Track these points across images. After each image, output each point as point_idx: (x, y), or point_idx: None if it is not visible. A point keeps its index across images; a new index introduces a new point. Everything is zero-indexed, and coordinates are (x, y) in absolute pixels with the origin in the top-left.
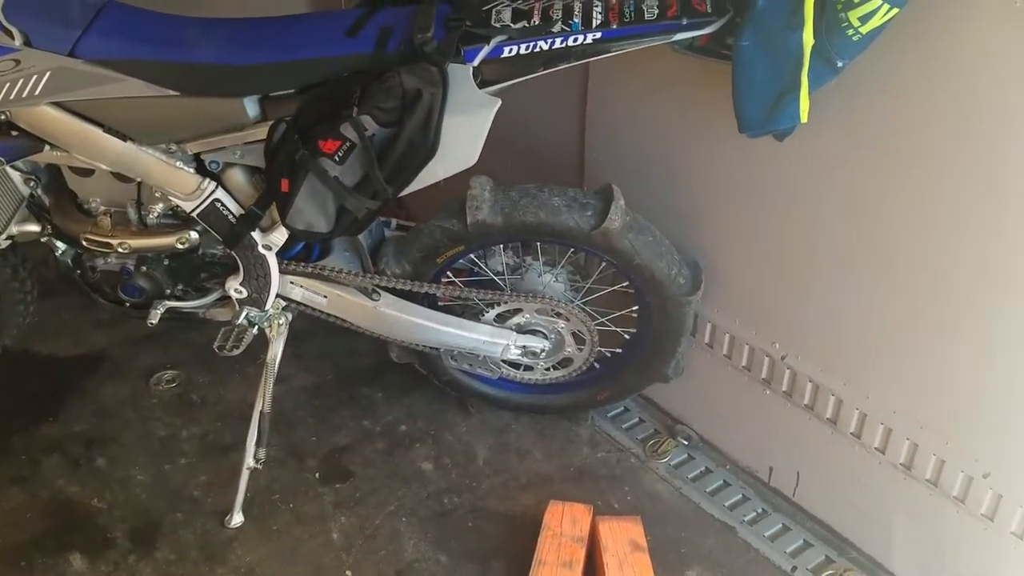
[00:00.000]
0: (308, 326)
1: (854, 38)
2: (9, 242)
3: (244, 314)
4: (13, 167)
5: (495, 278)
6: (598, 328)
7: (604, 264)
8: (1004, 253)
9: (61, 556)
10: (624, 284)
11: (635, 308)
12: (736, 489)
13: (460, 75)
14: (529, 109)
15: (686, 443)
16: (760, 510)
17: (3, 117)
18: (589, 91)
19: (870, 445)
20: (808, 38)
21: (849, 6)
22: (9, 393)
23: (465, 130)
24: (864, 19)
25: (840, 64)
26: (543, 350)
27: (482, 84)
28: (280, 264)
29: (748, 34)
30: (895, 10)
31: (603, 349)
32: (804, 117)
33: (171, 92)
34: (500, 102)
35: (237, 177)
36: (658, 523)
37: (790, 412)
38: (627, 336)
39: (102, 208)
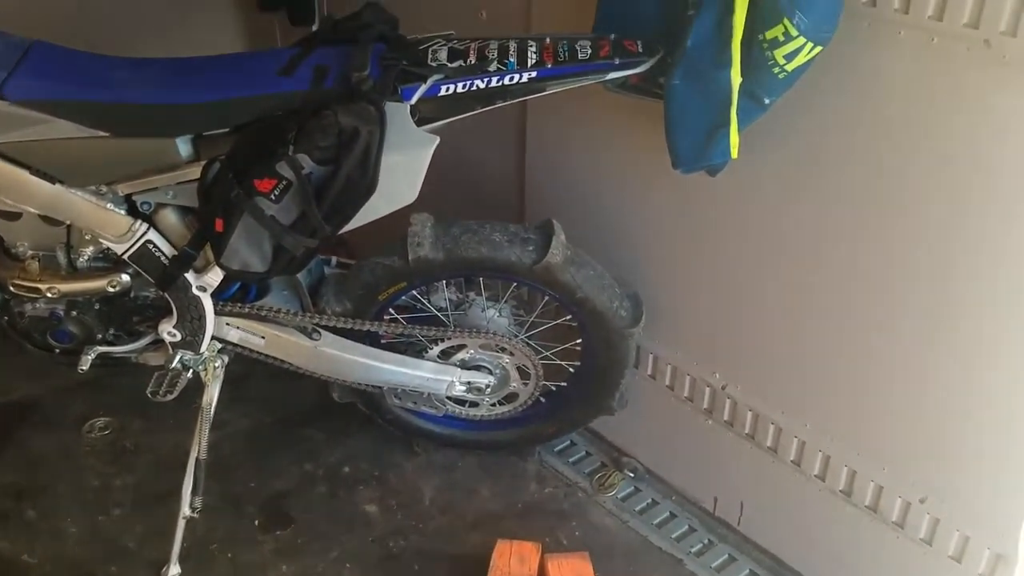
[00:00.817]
0: (246, 368)
1: (780, 76)
2: None
3: (178, 358)
4: None
5: (438, 314)
6: (543, 362)
7: (547, 298)
8: (936, 282)
9: None
10: (567, 318)
11: (579, 341)
12: (682, 520)
13: (398, 113)
14: (469, 145)
15: (632, 475)
16: (706, 541)
17: None
18: (528, 128)
19: (810, 473)
20: (736, 76)
21: (775, 45)
22: None
23: (404, 167)
24: (789, 57)
25: (767, 101)
26: (488, 385)
27: (420, 122)
28: (215, 305)
29: (679, 73)
30: (819, 48)
31: (548, 383)
32: (735, 153)
33: (101, 133)
34: (438, 139)
35: (170, 218)
36: (606, 558)
37: (732, 441)
38: (572, 369)
39: (30, 252)
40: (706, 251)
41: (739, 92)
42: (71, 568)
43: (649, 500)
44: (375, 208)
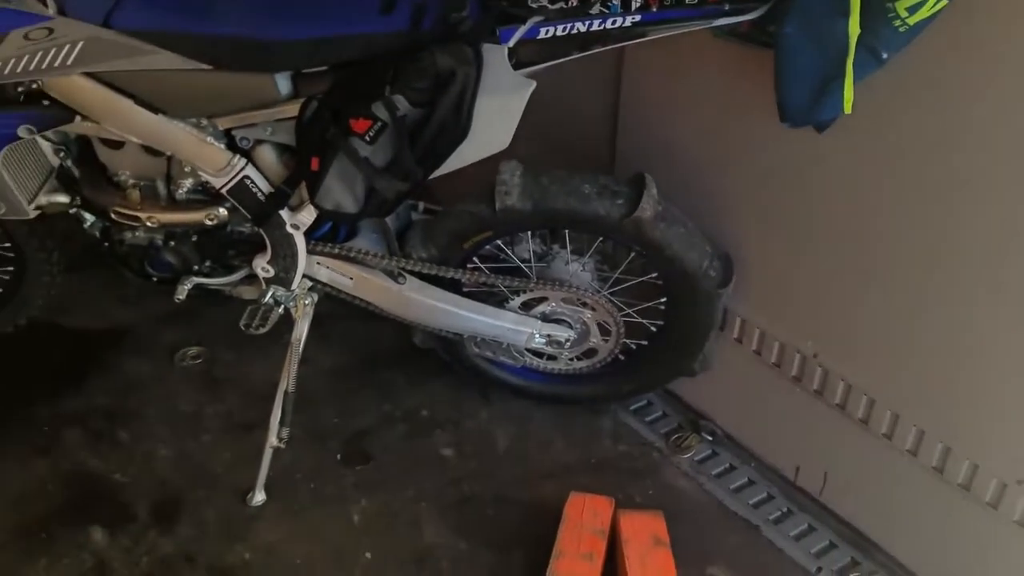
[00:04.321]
0: (332, 308)
1: (900, 29)
2: (38, 212)
3: (271, 293)
4: (44, 137)
5: (522, 265)
6: (624, 319)
7: (633, 254)
8: None
9: (82, 529)
10: (653, 275)
11: (663, 300)
12: (761, 487)
13: (495, 56)
14: (560, 93)
15: (710, 439)
16: (785, 509)
17: (35, 86)
18: (623, 76)
19: (902, 447)
20: (854, 27)
21: None
22: (33, 365)
23: (498, 112)
24: (912, 10)
25: (885, 56)
26: (568, 340)
27: (517, 65)
28: (307, 244)
29: (792, 21)
30: (943, 1)
31: (629, 341)
32: (848, 107)
33: (203, 66)
34: (535, 84)
35: (267, 154)
36: (680, 519)
37: (820, 411)
38: (654, 328)
39: (131, 181)
40: (807, 213)
41: (855, 44)
42: (160, 489)
43: (727, 464)
44: (467, 153)
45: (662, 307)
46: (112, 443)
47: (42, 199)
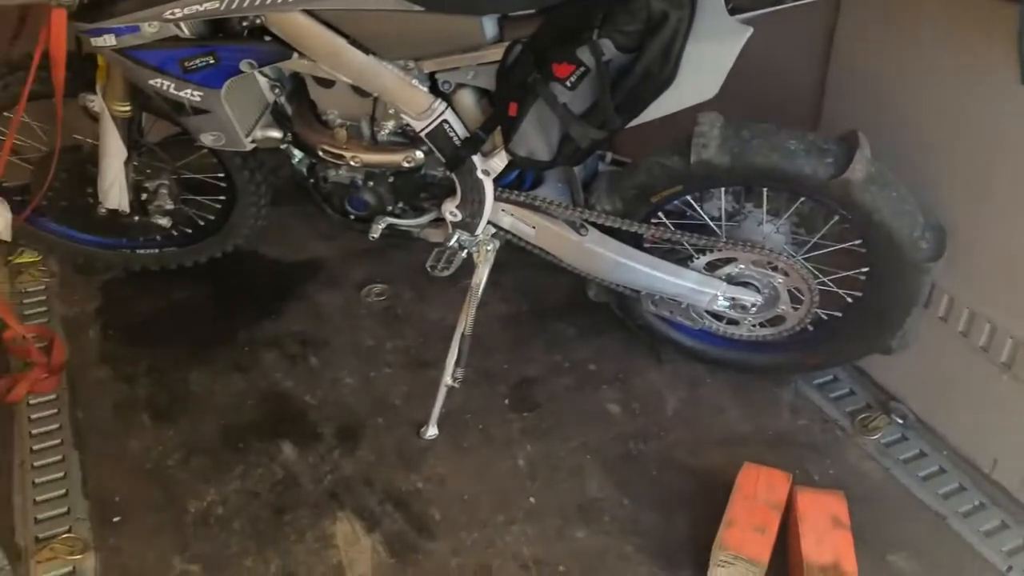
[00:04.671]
0: (507, 257)
1: None
2: (253, 146)
3: (456, 237)
4: (262, 73)
5: (710, 223)
6: (819, 287)
7: (836, 218)
8: None
9: (274, 443)
10: (856, 242)
11: (864, 270)
12: (952, 477)
13: (710, 0)
14: (765, 42)
15: (901, 422)
16: (977, 503)
17: (258, 22)
18: (838, 26)
19: None
20: None
21: None
22: (237, 289)
23: (709, 59)
24: None
25: None
26: (754, 305)
27: (732, 11)
28: (495, 191)
29: None
30: None
31: (821, 311)
32: None
33: (416, 7)
34: (751, 31)
35: (466, 99)
36: (861, 502)
37: None
38: (850, 300)
39: (339, 121)
40: None
41: None
42: (344, 414)
43: (917, 451)
44: (669, 102)
45: (862, 277)
46: (304, 367)
47: (257, 133)
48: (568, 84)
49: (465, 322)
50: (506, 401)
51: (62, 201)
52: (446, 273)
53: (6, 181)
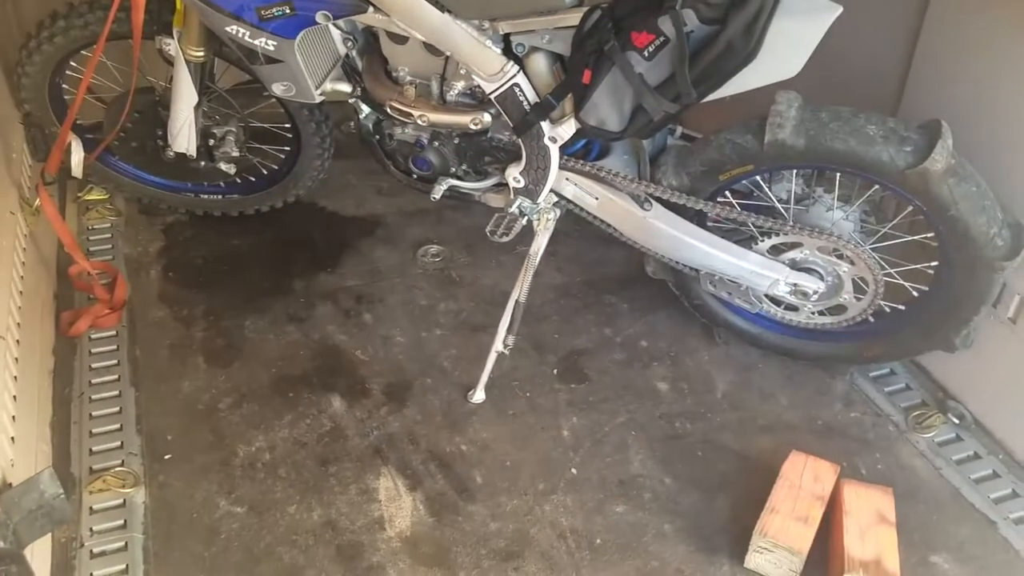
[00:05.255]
0: (563, 226)
1: None
2: (321, 98)
3: (517, 203)
4: (335, 25)
5: (778, 205)
6: (885, 278)
7: (910, 209)
8: None
9: (324, 395)
10: (928, 235)
11: (934, 264)
12: (1006, 482)
13: None
14: (850, 23)
15: (957, 422)
16: None
17: None
18: (929, 10)
19: None
20: None
21: None
22: (295, 241)
23: (794, 36)
24: None
25: None
26: (816, 292)
27: None
28: (560, 159)
29: None
30: None
31: (885, 303)
32: None
33: None
34: (840, 10)
35: (539, 63)
36: (908, 499)
37: None
38: (916, 293)
39: (408, 78)
40: None
41: None
42: (394, 372)
43: (971, 452)
44: (749, 78)
45: (931, 271)
46: (357, 322)
47: (327, 86)
48: (646, 54)
49: (520, 289)
50: (554, 371)
51: (132, 142)
52: (505, 239)
53: (80, 119)
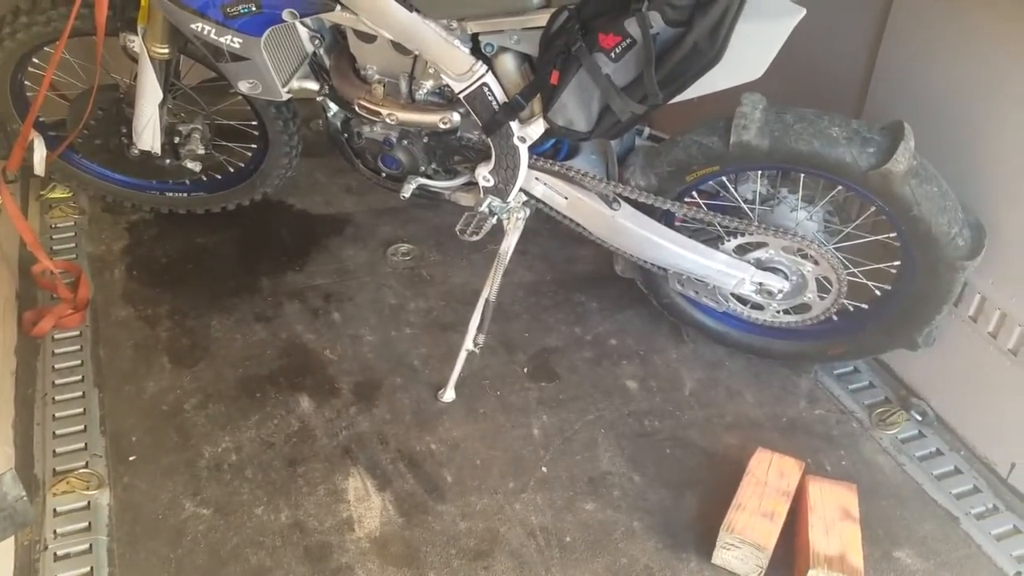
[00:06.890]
0: (533, 225)
1: None
2: (288, 96)
3: (487, 202)
4: (302, 23)
5: (743, 206)
6: (848, 278)
7: (873, 209)
8: None
9: (291, 395)
10: (891, 235)
11: (896, 263)
12: (967, 478)
13: None
14: (814, 26)
15: (919, 419)
16: (991, 505)
17: None
18: (892, 13)
19: None
20: None
21: None
22: (262, 239)
23: (758, 39)
24: None
25: None
26: (781, 291)
27: None
28: (529, 158)
29: None
30: None
31: (848, 302)
32: None
33: None
34: (804, 12)
35: (508, 64)
36: (872, 495)
37: None
38: (879, 292)
39: (377, 76)
40: None
41: None
42: (363, 370)
43: (933, 449)
44: (714, 80)
45: (894, 271)
46: (326, 321)
47: (294, 83)
48: (613, 55)
49: (490, 288)
50: (525, 370)
51: (96, 139)
52: (475, 238)
53: (43, 116)
